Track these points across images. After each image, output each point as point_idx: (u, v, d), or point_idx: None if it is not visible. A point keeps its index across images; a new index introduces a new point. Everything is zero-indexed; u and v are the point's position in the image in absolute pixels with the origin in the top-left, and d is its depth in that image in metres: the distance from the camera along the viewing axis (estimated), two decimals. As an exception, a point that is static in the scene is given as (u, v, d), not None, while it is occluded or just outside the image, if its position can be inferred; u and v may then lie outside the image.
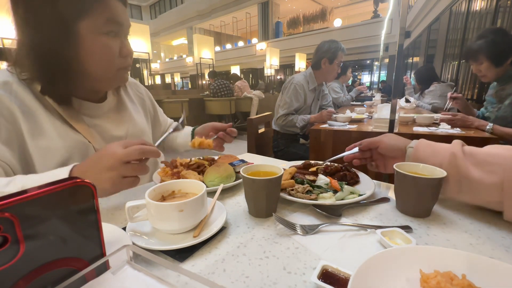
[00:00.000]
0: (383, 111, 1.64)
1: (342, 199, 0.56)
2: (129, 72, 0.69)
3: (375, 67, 12.43)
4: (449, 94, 1.87)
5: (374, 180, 0.65)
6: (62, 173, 0.49)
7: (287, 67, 13.80)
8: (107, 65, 0.61)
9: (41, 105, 0.60)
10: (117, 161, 0.47)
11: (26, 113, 0.58)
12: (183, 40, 20.75)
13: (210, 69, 6.68)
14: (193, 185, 0.50)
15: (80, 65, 0.59)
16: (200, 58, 6.11)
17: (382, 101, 3.28)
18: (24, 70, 0.58)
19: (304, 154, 1.88)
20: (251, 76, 15.95)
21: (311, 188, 0.59)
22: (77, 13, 0.54)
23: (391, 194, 0.62)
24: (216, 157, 0.81)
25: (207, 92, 5.14)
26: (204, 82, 8.28)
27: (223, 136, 0.78)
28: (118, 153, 0.48)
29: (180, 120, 0.81)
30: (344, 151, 0.71)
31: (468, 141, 1.22)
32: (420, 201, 0.51)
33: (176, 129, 0.79)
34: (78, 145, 0.62)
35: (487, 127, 1.38)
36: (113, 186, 0.48)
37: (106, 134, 0.70)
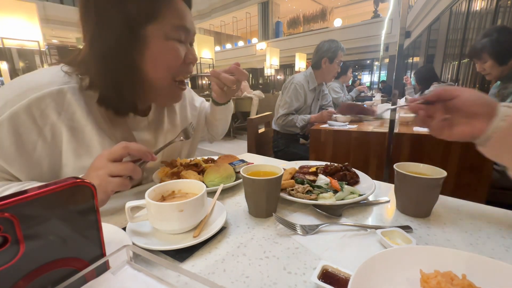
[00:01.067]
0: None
1: (342, 199, 0.56)
2: (186, 87, 0.67)
3: (375, 67, 12.43)
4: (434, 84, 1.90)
5: (374, 180, 0.65)
6: None
7: (287, 67, 13.80)
8: (173, 70, 0.59)
9: (92, 120, 0.57)
10: (103, 159, 0.47)
11: (73, 130, 0.56)
12: (183, 40, 20.72)
13: (211, 69, 6.67)
14: (193, 185, 0.50)
15: (143, 72, 0.56)
16: (200, 58, 6.11)
17: (382, 101, 3.28)
18: (86, 74, 0.56)
19: (304, 154, 1.88)
20: (251, 76, 15.94)
21: (311, 188, 0.59)
22: (146, 17, 0.53)
23: (391, 194, 0.62)
24: (216, 157, 0.81)
25: (207, 92, 5.13)
26: (204, 82, 8.28)
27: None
28: (104, 153, 0.48)
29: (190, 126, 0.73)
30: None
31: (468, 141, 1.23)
32: (420, 201, 0.51)
33: (183, 138, 0.70)
34: None
35: None
36: (100, 185, 0.46)
37: (148, 146, 0.65)
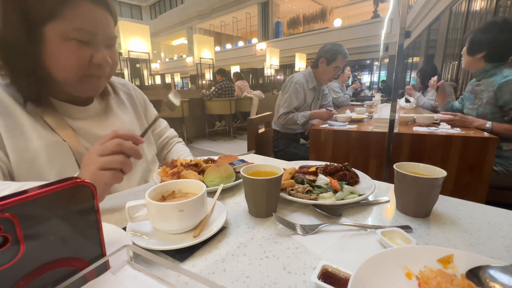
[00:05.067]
0: (383, 111, 1.64)
1: (342, 199, 0.56)
2: (104, 81, 0.67)
3: (375, 67, 12.42)
4: (433, 79, 1.94)
5: (374, 180, 0.65)
6: None
7: (287, 67, 13.79)
8: (72, 71, 0.58)
9: (20, 106, 0.60)
10: (93, 154, 0.48)
11: (2, 113, 0.58)
12: (183, 40, 20.74)
13: (211, 69, 6.68)
14: (193, 185, 0.50)
15: (45, 68, 0.58)
16: (200, 58, 6.10)
17: (382, 101, 3.28)
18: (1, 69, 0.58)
19: (304, 154, 1.88)
20: (251, 76, 15.95)
21: (311, 188, 0.59)
22: (44, 16, 0.53)
23: (391, 194, 0.62)
24: (216, 157, 0.81)
25: (207, 92, 5.13)
26: (204, 82, 8.27)
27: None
28: (95, 147, 0.49)
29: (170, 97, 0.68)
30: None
31: (468, 141, 1.23)
32: (420, 201, 0.51)
33: (157, 118, 0.68)
34: (57, 147, 0.62)
35: (487, 125, 1.38)
36: (92, 180, 0.45)
37: (90, 136, 0.69)
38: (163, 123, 1.02)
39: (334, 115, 1.87)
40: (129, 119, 0.81)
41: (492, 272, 0.29)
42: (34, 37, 0.54)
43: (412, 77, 8.31)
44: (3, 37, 0.54)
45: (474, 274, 0.29)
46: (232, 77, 6.46)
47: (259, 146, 1.67)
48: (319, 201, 0.54)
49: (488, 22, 1.47)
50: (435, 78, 1.93)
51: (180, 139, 1.04)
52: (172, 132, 1.03)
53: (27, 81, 0.58)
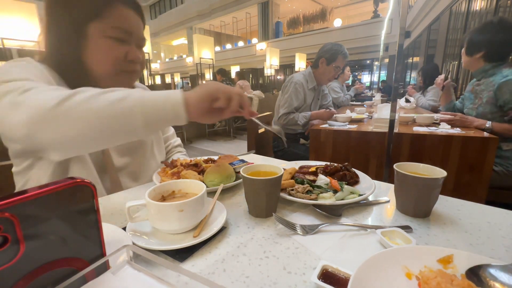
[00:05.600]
0: (383, 111, 1.64)
1: (342, 199, 0.56)
2: (135, 78, 0.72)
3: (375, 67, 12.41)
4: (440, 77, 1.94)
5: (374, 180, 0.65)
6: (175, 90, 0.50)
7: (287, 67, 13.78)
8: (109, 65, 0.64)
9: None
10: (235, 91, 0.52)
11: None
12: (183, 40, 20.74)
13: (211, 69, 6.67)
14: (193, 185, 0.50)
15: (85, 64, 0.63)
16: (200, 58, 6.10)
17: (382, 101, 3.28)
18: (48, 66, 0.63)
19: (304, 154, 1.88)
20: (251, 76, 15.94)
21: (311, 188, 0.59)
22: (89, 16, 0.60)
23: (391, 194, 0.62)
24: (216, 157, 0.81)
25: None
26: (204, 82, 8.27)
27: None
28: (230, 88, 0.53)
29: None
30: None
31: (468, 141, 1.23)
32: (420, 201, 0.51)
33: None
34: None
35: (486, 125, 1.38)
36: (235, 95, 0.52)
37: None
38: (170, 129, 1.02)
39: (334, 115, 1.87)
40: None
41: (492, 271, 0.29)
42: (79, 33, 0.61)
43: (413, 77, 8.31)
44: (51, 35, 0.62)
45: (474, 273, 0.29)
46: (234, 76, 6.45)
47: (259, 146, 1.67)
48: (319, 201, 0.55)
49: (485, 22, 1.47)
50: (442, 76, 1.93)
51: (183, 150, 1.03)
52: (177, 140, 1.04)
53: (72, 75, 0.63)
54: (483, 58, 1.46)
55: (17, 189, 0.66)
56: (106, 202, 0.60)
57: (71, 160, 0.63)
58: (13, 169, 0.65)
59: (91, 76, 0.65)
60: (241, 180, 0.64)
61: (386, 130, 1.35)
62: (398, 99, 1.32)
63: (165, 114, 0.48)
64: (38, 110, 0.44)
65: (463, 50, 1.56)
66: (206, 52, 6.22)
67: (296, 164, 0.78)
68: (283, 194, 0.57)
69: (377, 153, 1.45)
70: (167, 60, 21.93)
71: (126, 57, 0.66)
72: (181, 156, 1.02)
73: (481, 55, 1.45)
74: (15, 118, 0.45)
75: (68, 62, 0.63)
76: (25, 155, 0.61)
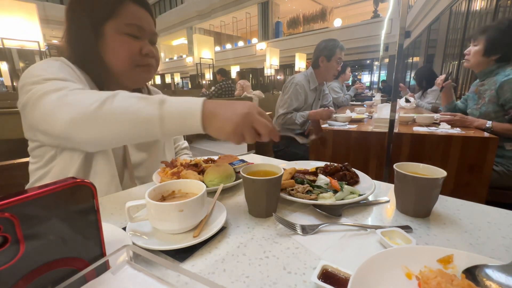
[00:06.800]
0: (383, 111, 1.64)
1: (342, 199, 0.56)
2: (151, 76, 0.76)
3: (375, 67, 12.41)
4: (440, 78, 1.93)
5: (374, 180, 0.65)
6: (197, 101, 0.49)
7: (287, 67, 13.79)
8: (126, 60, 0.68)
9: None
10: (253, 108, 0.49)
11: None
12: (183, 40, 20.73)
13: (211, 69, 6.67)
14: (193, 185, 0.50)
15: (103, 61, 0.67)
16: (200, 58, 6.10)
17: (382, 101, 3.28)
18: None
19: (304, 154, 1.88)
20: (251, 76, 15.94)
21: (311, 188, 0.59)
22: (105, 15, 0.65)
23: (391, 194, 0.62)
24: (216, 157, 0.81)
25: (205, 90, 5.11)
26: (204, 82, 8.27)
27: None
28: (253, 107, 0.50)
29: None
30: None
31: (468, 141, 1.23)
32: (420, 201, 0.51)
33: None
34: None
35: (487, 125, 1.38)
36: (248, 119, 0.47)
37: None
38: None
39: (334, 115, 1.87)
40: None
41: (488, 271, 0.29)
42: (97, 33, 0.66)
43: (412, 77, 8.31)
44: (72, 36, 0.67)
45: (471, 273, 0.29)
46: (236, 75, 6.46)
47: (259, 146, 1.67)
48: (319, 201, 0.54)
49: (501, 21, 1.40)
50: (442, 77, 1.92)
51: (190, 153, 1.04)
52: (184, 143, 1.05)
53: (95, 72, 0.68)
54: (497, 59, 1.42)
55: (32, 181, 0.69)
56: (106, 202, 0.60)
57: (95, 154, 0.66)
58: (31, 161, 0.68)
59: (111, 71, 0.69)
60: (241, 180, 0.64)
61: (386, 130, 1.35)
62: (398, 99, 1.31)
63: (184, 130, 0.50)
64: (80, 111, 0.49)
65: (476, 50, 1.47)
66: (206, 52, 6.23)
67: (296, 164, 0.78)
68: (283, 194, 0.57)
69: (377, 153, 1.45)
70: (167, 60, 21.93)
71: (141, 51, 0.69)
72: (187, 158, 1.03)
73: (499, 56, 1.40)
74: (58, 116, 0.50)
75: (90, 60, 0.67)
76: (52, 145, 0.64)
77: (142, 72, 0.73)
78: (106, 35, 0.66)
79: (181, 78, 20.97)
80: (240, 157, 0.81)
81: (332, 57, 1.92)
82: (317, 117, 1.95)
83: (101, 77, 0.70)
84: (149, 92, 0.86)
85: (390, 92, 6.25)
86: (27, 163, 0.70)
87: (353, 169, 0.70)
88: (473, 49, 1.51)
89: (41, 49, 2.89)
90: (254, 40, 15.21)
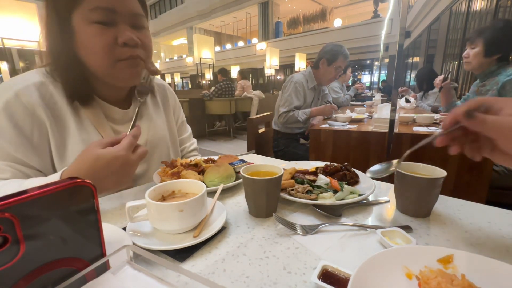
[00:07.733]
0: (383, 111, 1.64)
1: (342, 199, 0.56)
2: (140, 70, 0.63)
3: (375, 67, 12.41)
4: (439, 78, 1.93)
5: (374, 180, 0.64)
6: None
7: (287, 67, 13.78)
8: (100, 54, 0.56)
9: (70, 109, 0.62)
10: (134, 163, 0.50)
11: (56, 118, 0.60)
12: (183, 40, 20.72)
13: (211, 69, 6.68)
14: (193, 185, 0.50)
15: (80, 59, 0.59)
16: (200, 58, 6.10)
17: (382, 101, 3.28)
18: (52, 71, 0.61)
19: (304, 154, 1.88)
20: (251, 76, 15.94)
21: (311, 188, 0.59)
22: (68, 5, 0.55)
23: (391, 194, 0.62)
24: (216, 157, 0.81)
25: (206, 91, 5.11)
26: (204, 82, 8.27)
27: None
28: (132, 159, 0.50)
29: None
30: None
31: (468, 141, 1.23)
32: (420, 201, 0.51)
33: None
34: None
35: None
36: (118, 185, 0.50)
37: None
38: (187, 130, 0.99)
39: (334, 115, 1.87)
40: (161, 122, 0.82)
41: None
42: (67, 28, 0.56)
43: (412, 77, 8.31)
44: (46, 35, 0.59)
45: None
46: (237, 75, 6.46)
47: (259, 146, 1.68)
48: (319, 201, 0.54)
49: (505, 21, 1.39)
50: (441, 77, 1.92)
51: (198, 155, 0.98)
52: (192, 144, 1.00)
53: (72, 77, 0.60)
54: (498, 59, 1.41)
55: None
56: (106, 202, 0.60)
57: None
58: None
59: (91, 73, 0.60)
60: (241, 180, 0.64)
61: (386, 130, 1.35)
62: (398, 99, 1.32)
63: None
64: None
65: (477, 51, 1.46)
66: (206, 52, 6.23)
67: (296, 164, 0.78)
68: (283, 194, 0.57)
69: (377, 153, 1.45)
70: (167, 60, 21.93)
71: (117, 40, 0.56)
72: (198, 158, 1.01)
73: (500, 55, 1.40)
74: None
75: (65, 60, 0.58)
76: None
77: (126, 68, 0.59)
78: (75, 29, 0.55)
79: (181, 78, 20.97)
80: (240, 157, 0.81)
81: (333, 63, 1.92)
82: (319, 114, 1.95)
83: (83, 81, 0.61)
84: (152, 89, 0.78)
85: (390, 92, 6.26)
86: None
87: (353, 169, 0.70)
88: (472, 52, 1.50)
89: (41, 49, 2.88)
90: (254, 40, 15.20)
